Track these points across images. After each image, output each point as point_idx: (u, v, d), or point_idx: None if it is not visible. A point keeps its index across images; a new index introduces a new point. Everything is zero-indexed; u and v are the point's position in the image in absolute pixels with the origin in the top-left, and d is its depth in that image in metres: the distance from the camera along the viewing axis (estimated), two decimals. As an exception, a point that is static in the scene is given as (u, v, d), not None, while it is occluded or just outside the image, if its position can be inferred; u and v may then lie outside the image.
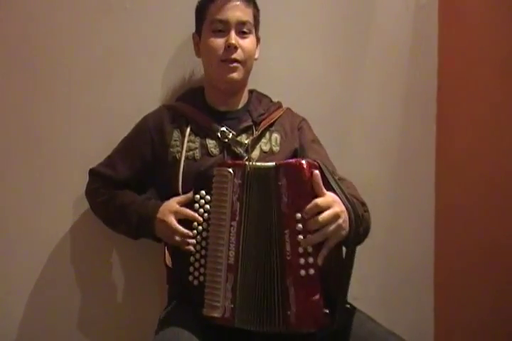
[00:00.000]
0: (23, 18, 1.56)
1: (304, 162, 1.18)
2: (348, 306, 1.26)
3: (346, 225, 1.19)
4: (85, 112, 1.61)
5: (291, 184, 1.18)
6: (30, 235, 1.58)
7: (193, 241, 1.32)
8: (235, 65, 1.44)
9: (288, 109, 1.58)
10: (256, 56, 1.52)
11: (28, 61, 1.57)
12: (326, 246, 1.17)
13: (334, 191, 1.21)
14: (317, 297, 1.15)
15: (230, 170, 1.25)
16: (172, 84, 1.63)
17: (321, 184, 1.18)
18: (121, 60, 1.63)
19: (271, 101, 1.59)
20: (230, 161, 1.32)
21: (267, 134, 1.50)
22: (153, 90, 1.64)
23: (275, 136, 1.50)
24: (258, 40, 1.53)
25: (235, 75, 1.45)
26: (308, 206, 1.16)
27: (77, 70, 1.60)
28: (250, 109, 1.52)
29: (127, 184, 1.50)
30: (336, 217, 1.17)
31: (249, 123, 1.49)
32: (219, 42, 1.44)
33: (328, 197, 1.19)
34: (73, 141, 1.60)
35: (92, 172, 1.53)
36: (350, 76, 1.87)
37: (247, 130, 1.48)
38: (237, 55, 1.44)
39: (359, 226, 1.23)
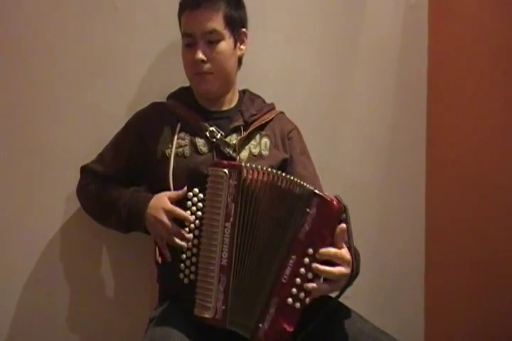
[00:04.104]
0: (13, 17, 1.55)
1: (337, 204, 1.17)
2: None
3: (342, 285, 1.21)
4: (76, 110, 1.61)
5: (319, 218, 1.17)
6: (20, 234, 1.58)
7: (189, 236, 1.31)
8: (206, 77, 1.44)
9: (281, 113, 1.58)
10: (241, 52, 1.50)
11: (19, 60, 1.57)
12: (319, 294, 1.19)
13: (349, 246, 1.21)
14: (291, 329, 1.18)
15: (226, 170, 1.23)
16: (163, 83, 1.63)
17: (344, 239, 1.19)
18: (112, 59, 1.63)
19: (264, 101, 1.58)
20: (225, 161, 1.30)
21: (257, 137, 1.50)
22: (144, 88, 1.65)
23: (265, 140, 1.50)
24: (241, 34, 1.49)
25: (208, 87, 1.46)
26: (325, 249, 1.17)
27: (67, 69, 1.60)
28: (242, 109, 1.51)
29: (117, 180, 1.50)
30: (343, 277, 1.19)
31: (240, 123, 1.48)
32: (189, 57, 1.44)
33: (345, 253, 1.19)
34: (64, 139, 1.60)
35: (83, 169, 1.54)
36: (341, 75, 1.88)
37: (236, 130, 1.48)
38: (207, 68, 1.43)
39: (352, 281, 1.25)
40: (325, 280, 1.19)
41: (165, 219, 1.34)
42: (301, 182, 1.21)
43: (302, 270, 1.17)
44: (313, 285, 1.17)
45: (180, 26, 1.48)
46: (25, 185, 1.58)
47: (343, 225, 1.18)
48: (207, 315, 1.22)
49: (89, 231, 1.60)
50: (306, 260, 1.17)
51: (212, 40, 1.42)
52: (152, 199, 1.38)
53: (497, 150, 1.80)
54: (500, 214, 1.79)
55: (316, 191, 1.19)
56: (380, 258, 1.94)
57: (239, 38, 1.49)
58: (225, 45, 1.44)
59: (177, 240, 1.31)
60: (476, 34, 1.88)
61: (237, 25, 1.47)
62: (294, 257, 1.18)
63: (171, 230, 1.33)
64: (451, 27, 1.96)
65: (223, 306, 1.21)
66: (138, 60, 1.65)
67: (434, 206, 2.00)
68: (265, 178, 1.22)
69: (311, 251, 1.17)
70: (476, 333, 1.86)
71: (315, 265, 1.16)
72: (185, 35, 1.45)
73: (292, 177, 1.22)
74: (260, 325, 1.18)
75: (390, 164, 1.96)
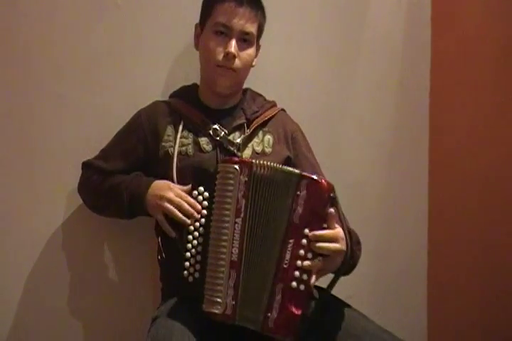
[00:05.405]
0: (15, 16, 1.54)
1: (325, 183, 1.20)
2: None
3: (339, 263, 1.24)
4: (78, 108, 1.60)
5: (310, 198, 1.20)
6: (22, 231, 1.56)
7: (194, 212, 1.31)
8: (230, 72, 1.44)
9: (282, 110, 1.59)
10: (254, 63, 1.52)
11: (21, 58, 1.56)
12: (317, 277, 1.21)
13: (341, 224, 1.24)
14: (299, 312, 1.18)
15: (237, 166, 1.24)
16: (166, 81, 1.64)
17: (336, 218, 1.22)
18: (114, 57, 1.63)
19: (265, 99, 1.59)
20: (236, 158, 1.31)
21: (260, 134, 1.50)
22: (147, 86, 1.65)
23: (268, 137, 1.51)
24: (258, 48, 1.53)
25: (227, 82, 1.45)
26: (320, 232, 1.19)
27: (70, 67, 1.60)
28: (244, 107, 1.52)
29: None
30: (339, 253, 1.22)
31: (243, 120, 1.49)
32: (218, 46, 1.43)
33: (339, 232, 1.22)
34: (66, 136, 1.59)
35: (85, 165, 1.52)
36: (343, 75, 1.90)
37: (239, 128, 1.49)
38: (234, 64, 1.43)
39: (350, 264, 1.28)
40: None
41: (170, 194, 1.34)
42: (289, 169, 1.24)
43: (301, 251, 1.19)
44: (308, 262, 1.18)
45: (208, 11, 1.45)
46: (26, 182, 1.56)
47: (332, 210, 1.20)
48: (216, 311, 1.21)
49: (90, 228, 1.59)
50: (304, 241, 1.19)
51: (246, 39, 1.44)
52: (155, 182, 1.39)
53: (499, 149, 1.81)
54: (503, 212, 1.80)
55: (304, 173, 1.22)
56: (382, 257, 1.95)
57: (257, 48, 1.52)
58: (252, 50, 1.48)
59: (181, 215, 1.32)
60: (479, 34, 1.89)
61: (260, 37, 1.52)
62: (291, 241, 1.20)
63: (175, 203, 1.33)
64: (454, 26, 1.97)
65: (233, 301, 1.20)
66: (141, 58, 1.64)
67: (437, 204, 2.00)
68: (267, 172, 1.23)
69: (307, 231, 1.19)
70: (480, 331, 1.87)
71: (313, 243, 1.18)
72: (220, 24, 1.42)
73: (281, 166, 1.25)
74: (269, 315, 1.19)
75: (392, 163, 1.97)
